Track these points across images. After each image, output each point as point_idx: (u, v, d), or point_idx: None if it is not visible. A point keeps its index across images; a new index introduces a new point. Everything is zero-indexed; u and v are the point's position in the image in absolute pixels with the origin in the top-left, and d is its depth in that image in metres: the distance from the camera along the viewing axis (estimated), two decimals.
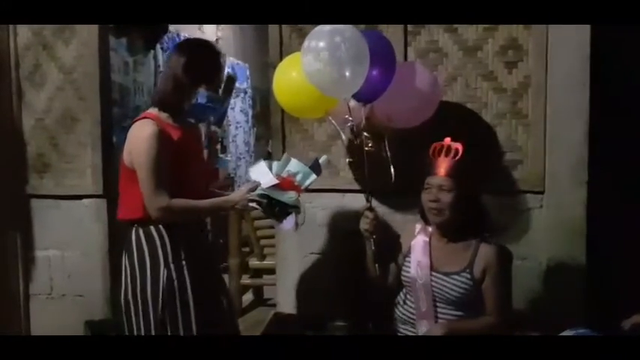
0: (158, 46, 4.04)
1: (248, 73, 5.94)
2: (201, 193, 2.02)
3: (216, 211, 2.32)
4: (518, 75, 2.30)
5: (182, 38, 4.13)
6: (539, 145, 2.28)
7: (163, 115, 1.99)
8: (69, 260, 2.83)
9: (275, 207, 1.95)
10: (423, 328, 1.92)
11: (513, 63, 2.30)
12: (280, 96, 2.17)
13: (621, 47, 2.40)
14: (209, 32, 5.03)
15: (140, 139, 1.91)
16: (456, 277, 1.90)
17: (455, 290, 1.89)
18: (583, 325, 1.83)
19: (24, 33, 2.81)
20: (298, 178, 2.01)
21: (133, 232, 1.99)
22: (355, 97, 2.01)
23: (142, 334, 1.96)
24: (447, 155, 1.90)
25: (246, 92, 5.96)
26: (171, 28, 4.16)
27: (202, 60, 2.02)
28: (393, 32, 2.33)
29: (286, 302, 2.54)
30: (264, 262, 3.91)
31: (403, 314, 2.00)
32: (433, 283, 1.92)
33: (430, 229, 1.99)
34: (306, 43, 1.91)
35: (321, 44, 1.86)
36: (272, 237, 3.24)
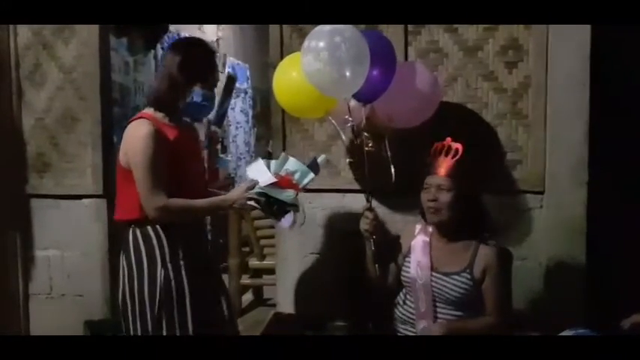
0: (158, 45, 4.04)
1: (248, 73, 5.94)
2: (199, 193, 2.02)
3: (215, 210, 2.31)
4: (518, 75, 2.30)
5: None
6: (539, 145, 2.28)
7: (159, 115, 1.98)
8: (68, 260, 2.83)
9: (273, 205, 1.95)
10: (422, 328, 1.92)
11: (514, 63, 2.30)
12: (280, 96, 2.16)
13: (621, 47, 2.40)
14: (209, 32, 5.02)
15: (136, 138, 1.91)
16: (456, 277, 1.90)
17: (455, 290, 1.89)
18: (583, 325, 1.83)
19: (24, 33, 2.80)
20: (296, 176, 2.01)
21: (130, 232, 1.98)
22: (355, 96, 2.01)
23: (140, 334, 1.95)
24: (447, 155, 1.90)
25: (246, 92, 5.96)
26: (172, 27, 4.16)
27: (197, 59, 2.01)
28: (393, 32, 2.33)
29: (286, 302, 2.54)
30: (264, 262, 3.91)
31: (403, 314, 2.00)
32: (433, 284, 1.92)
33: (430, 229, 1.99)
34: (306, 43, 1.91)
35: (321, 44, 1.86)
36: (272, 237, 3.24)
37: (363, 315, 2.21)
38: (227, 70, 5.35)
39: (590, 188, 2.23)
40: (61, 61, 2.78)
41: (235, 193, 1.98)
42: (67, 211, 2.81)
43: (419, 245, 1.99)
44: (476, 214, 1.93)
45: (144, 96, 3.76)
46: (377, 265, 2.05)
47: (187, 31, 4.37)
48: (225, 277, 3.08)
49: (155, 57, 4.05)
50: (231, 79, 5.40)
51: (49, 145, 2.82)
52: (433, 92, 2.14)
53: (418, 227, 2.03)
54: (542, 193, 2.29)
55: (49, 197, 2.83)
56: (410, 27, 2.37)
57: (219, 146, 5.34)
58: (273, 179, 1.96)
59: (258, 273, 4.01)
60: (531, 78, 2.28)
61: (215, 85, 2.09)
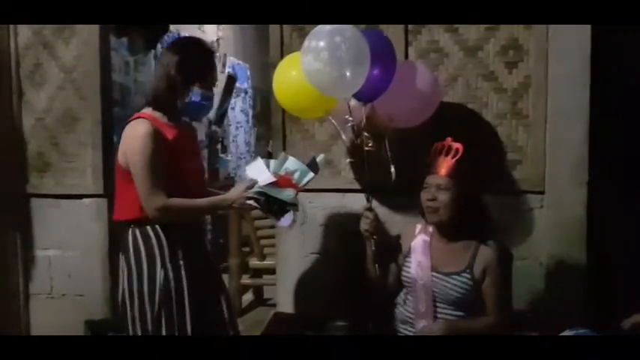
0: (159, 45, 4.04)
1: (249, 73, 5.95)
2: (198, 192, 2.02)
3: (214, 209, 2.31)
4: (518, 75, 2.30)
5: None
6: (539, 145, 2.28)
7: (157, 115, 1.98)
8: (69, 260, 2.83)
9: (273, 205, 1.94)
10: (422, 328, 1.91)
11: (514, 63, 2.30)
12: (280, 96, 2.16)
13: (622, 47, 2.40)
14: (210, 32, 5.02)
15: (134, 138, 1.90)
16: (456, 277, 1.90)
17: (455, 290, 1.89)
18: (583, 325, 1.82)
19: (24, 32, 2.81)
20: (296, 176, 2.00)
21: (130, 232, 1.98)
22: (356, 96, 2.01)
23: (140, 334, 1.95)
24: (447, 155, 1.90)
25: (246, 92, 5.96)
26: (172, 27, 4.16)
27: (195, 58, 2.00)
28: (393, 32, 2.33)
29: (286, 302, 2.54)
30: (265, 262, 3.91)
31: (404, 314, 2.00)
32: (433, 284, 1.92)
33: (431, 229, 1.99)
34: (306, 43, 1.90)
35: (322, 44, 1.85)
36: (272, 237, 3.24)
37: (364, 315, 2.21)
38: (227, 69, 5.35)
39: (591, 188, 2.23)
40: (62, 60, 2.79)
41: (234, 193, 1.98)
42: (68, 211, 2.81)
43: (419, 245, 1.98)
44: (476, 214, 1.93)
45: (142, 96, 3.76)
46: (377, 265, 2.05)
47: (187, 30, 4.38)
48: (225, 276, 3.08)
49: (155, 57, 4.05)
50: (231, 79, 5.41)
51: (50, 144, 2.82)
52: (433, 92, 2.14)
53: (418, 227, 2.03)
54: (542, 193, 2.29)
55: (49, 197, 2.83)
56: (410, 27, 2.37)
57: (219, 146, 5.35)
58: (273, 178, 1.96)
59: (258, 273, 4.01)
60: (531, 78, 2.28)
61: (214, 85, 2.08)
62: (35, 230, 2.86)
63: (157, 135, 1.91)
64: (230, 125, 5.60)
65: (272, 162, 2.04)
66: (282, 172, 2.01)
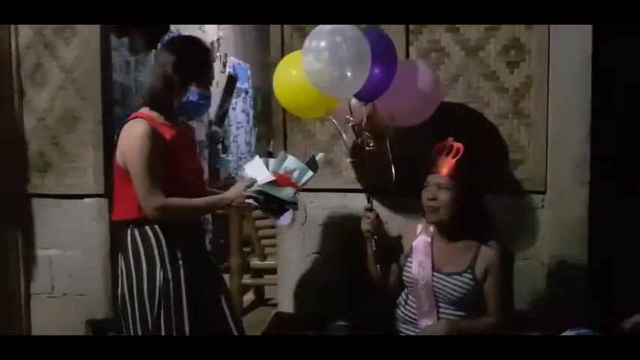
0: (159, 45, 4.04)
1: (249, 73, 5.95)
2: (197, 192, 2.01)
3: (213, 209, 2.31)
4: (520, 75, 2.29)
5: None
6: (541, 145, 2.28)
7: (155, 114, 1.97)
8: (70, 259, 2.83)
9: (272, 203, 1.94)
10: (424, 328, 1.91)
11: (515, 63, 2.29)
12: (280, 95, 2.16)
13: (623, 47, 2.39)
14: (210, 32, 5.02)
15: (132, 138, 1.90)
16: (457, 277, 1.90)
17: (456, 291, 1.89)
18: (584, 325, 1.82)
19: (25, 32, 2.81)
20: (295, 174, 2.00)
21: (129, 232, 1.98)
22: (356, 95, 2.00)
23: (139, 334, 1.95)
24: (448, 155, 1.90)
25: (247, 92, 5.96)
26: (173, 27, 4.16)
27: (191, 57, 1.99)
28: (394, 32, 2.32)
29: (287, 302, 2.54)
30: (266, 262, 3.91)
31: (405, 314, 2.00)
32: (435, 284, 1.91)
33: (432, 229, 1.99)
34: (306, 43, 1.90)
35: (322, 44, 1.85)
36: (273, 237, 3.24)
37: (365, 315, 2.21)
38: (228, 69, 5.36)
39: (592, 188, 2.23)
40: (62, 60, 2.79)
41: (233, 192, 1.97)
42: (69, 211, 2.81)
43: (420, 245, 1.98)
44: (477, 215, 1.93)
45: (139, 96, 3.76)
46: (378, 265, 2.05)
47: (188, 30, 4.37)
48: (226, 276, 3.08)
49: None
50: (232, 79, 5.41)
51: (51, 144, 2.83)
52: (435, 90, 2.14)
53: (420, 227, 2.03)
54: (543, 192, 2.29)
55: (50, 197, 2.83)
56: (411, 27, 2.37)
57: (219, 146, 5.35)
58: (272, 177, 1.95)
59: (259, 273, 4.02)
60: (533, 78, 2.27)
61: (211, 84, 2.07)
62: (36, 230, 2.86)
63: (154, 135, 1.90)
64: (231, 125, 5.60)
65: (271, 161, 2.04)
66: (281, 171, 2.00)
